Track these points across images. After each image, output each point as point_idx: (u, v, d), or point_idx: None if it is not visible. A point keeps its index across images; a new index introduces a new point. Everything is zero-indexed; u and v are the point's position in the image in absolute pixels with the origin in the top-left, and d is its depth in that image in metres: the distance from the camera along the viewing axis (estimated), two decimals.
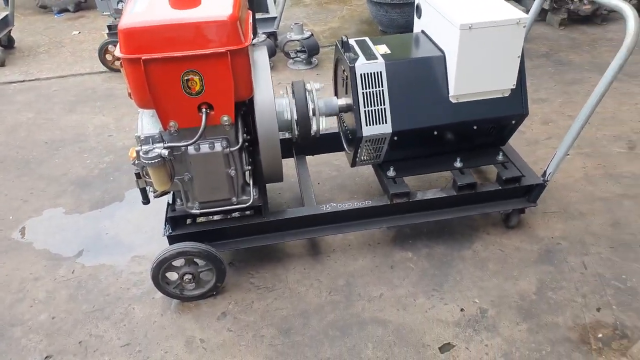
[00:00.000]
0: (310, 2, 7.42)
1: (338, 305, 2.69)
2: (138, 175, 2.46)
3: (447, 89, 2.55)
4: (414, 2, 2.90)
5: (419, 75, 2.54)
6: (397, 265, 2.90)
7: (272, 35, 5.31)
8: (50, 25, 6.96)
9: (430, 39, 2.70)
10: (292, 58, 5.35)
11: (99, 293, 2.86)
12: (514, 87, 2.56)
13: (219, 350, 2.50)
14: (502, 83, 2.54)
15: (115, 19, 5.23)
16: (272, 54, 5.15)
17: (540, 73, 4.89)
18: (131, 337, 2.58)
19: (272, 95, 2.44)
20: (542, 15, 5.98)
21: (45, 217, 3.48)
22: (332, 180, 3.62)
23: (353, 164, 2.82)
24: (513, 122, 2.68)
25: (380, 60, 2.52)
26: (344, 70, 2.66)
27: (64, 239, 3.27)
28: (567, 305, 2.61)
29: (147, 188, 2.54)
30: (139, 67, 2.08)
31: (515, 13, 2.38)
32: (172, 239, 2.63)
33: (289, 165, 3.62)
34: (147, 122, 2.35)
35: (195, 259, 2.65)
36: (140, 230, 3.27)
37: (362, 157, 2.76)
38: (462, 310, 2.62)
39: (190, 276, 2.65)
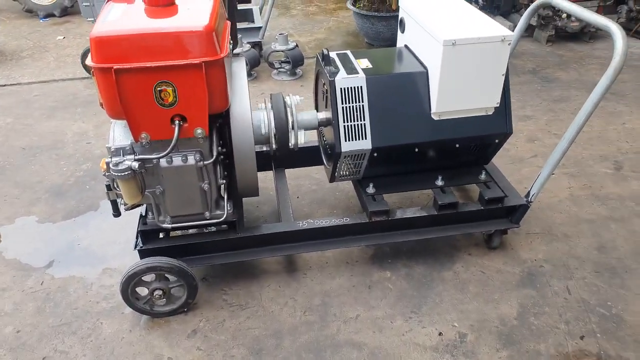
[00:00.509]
0: (297, 12, 7.40)
1: (312, 325, 2.60)
2: (109, 187, 2.38)
3: (429, 105, 2.50)
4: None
5: (400, 91, 2.49)
6: (375, 285, 2.83)
7: (256, 45, 5.27)
8: (35, 30, 6.86)
9: (414, 54, 2.65)
10: (277, 69, 5.29)
11: (67, 306, 2.75)
12: (498, 105, 2.51)
13: None
14: (485, 101, 2.49)
15: None
16: (255, 64, 5.10)
17: (526, 90, 4.87)
18: (97, 354, 2.48)
19: (249, 108, 2.38)
20: (529, 32, 5.99)
21: (17, 225, 3.38)
22: (312, 194, 3.55)
23: (332, 179, 2.75)
24: (496, 141, 2.63)
25: (361, 74, 2.47)
26: (324, 84, 2.60)
27: (35, 248, 3.16)
28: (550, 331, 2.54)
29: (118, 200, 2.46)
30: (110, 76, 2.01)
31: (500, 30, 2.34)
32: (143, 253, 2.54)
33: (267, 178, 3.57)
34: (119, 133, 2.27)
35: (166, 275, 2.56)
36: (114, 241, 3.17)
37: (341, 173, 2.70)
38: (440, 334, 2.55)
39: (160, 292, 2.55)
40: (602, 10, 5.72)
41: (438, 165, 2.77)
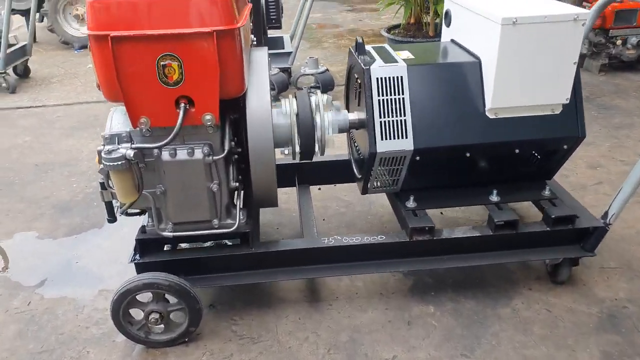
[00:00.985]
0: (329, 45, 7.21)
1: None
2: (103, 186, 2.04)
3: (483, 101, 2.09)
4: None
5: (448, 84, 2.11)
6: (416, 321, 2.34)
7: (285, 70, 5.03)
8: (68, 59, 6.88)
9: (462, 47, 2.27)
10: None
11: (52, 331, 2.36)
12: (567, 101, 2.08)
13: None
14: (552, 96, 2.07)
15: None
16: (284, 88, 4.85)
17: None
18: None
19: (269, 103, 2.02)
20: (579, 61, 5.55)
21: (15, 241, 3.06)
22: (340, 217, 3.12)
23: (364, 190, 2.33)
24: (565, 147, 2.18)
25: (402, 63, 2.10)
26: (357, 79, 2.24)
27: (29, 265, 2.82)
28: None
29: (115, 203, 2.11)
30: (107, 46, 1.70)
31: (571, 8, 1.95)
32: (139, 267, 2.15)
33: (290, 198, 3.19)
34: (118, 120, 1.95)
35: (165, 295, 2.15)
36: (114, 261, 2.80)
37: (375, 183, 2.28)
38: None
39: (157, 315, 2.14)
40: None
41: (492, 177, 2.33)
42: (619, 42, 5.17)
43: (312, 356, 2.18)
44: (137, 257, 2.16)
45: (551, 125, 2.12)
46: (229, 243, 2.31)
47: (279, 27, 5.34)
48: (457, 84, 2.10)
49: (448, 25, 2.43)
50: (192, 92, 1.79)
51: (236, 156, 2.12)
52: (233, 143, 2.03)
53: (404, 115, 2.07)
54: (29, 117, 4.96)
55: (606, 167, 3.61)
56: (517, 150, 2.17)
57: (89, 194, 3.51)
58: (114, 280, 2.64)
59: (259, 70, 2.09)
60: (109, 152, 1.80)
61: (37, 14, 7.63)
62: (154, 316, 2.14)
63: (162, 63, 1.72)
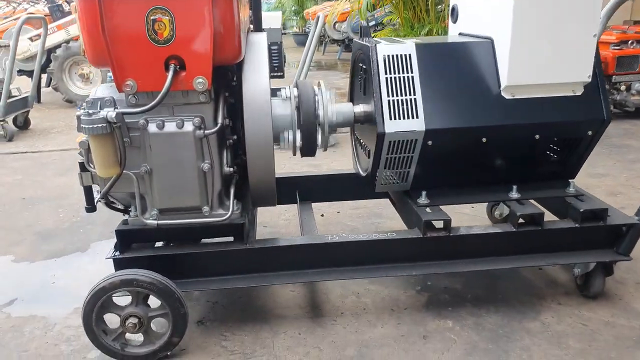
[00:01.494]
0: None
1: None
2: (82, 167, 1.84)
3: (498, 81, 1.95)
4: None
5: (460, 63, 1.98)
6: (432, 336, 2.04)
7: None
8: (70, 115, 6.86)
9: (471, 35, 2.17)
10: None
11: (14, 348, 2.06)
12: (589, 79, 1.94)
13: None
14: (572, 73, 1.93)
15: None
16: None
17: (592, 154, 4.18)
18: None
19: (268, 84, 1.88)
20: None
21: None
22: None
23: (372, 185, 2.13)
24: (589, 132, 2.01)
25: (410, 43, 1.98)
26: (361, 67, 2.12)
27: None
28: None
29: (94, 189, 1.91)
30: None
31: None
32: (118, 264, 1.90)
33: (291, 222, 2.97)
34: (102, 90, 1.80)
35: (145, 297, 1.88)
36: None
37: (383, 176, 2.08)
38: None
39: (136, 320, 1.85)
40: None
41: (511, 173, 2.13)
42: (622, 87, 5.15)
43: None
44: (116, 252, 1.91)
45: (573, 107, 1.96)
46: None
47: (282, 76, 5.36)
48: (469, 63, 1.97)
49: (455, 21, 2.35)
50: (184, 52, 1.65)
51: (231, 141, 1.94)
52: (227, 120, 1.86)
53: (414, 95, 1.91)
54: (23, 160, 4.84)
55: (626, 194, 3.40)
56: (537, 136, 1.99)
57: (76, 222, 3.29)
58: None
59: (258, 51, 1.96)
60: (89, 114, 1.62)
61: (44, 77, 7.83)
62: (131, 321, 1.85)
63: (152, 17, 1.60)
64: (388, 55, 1.93)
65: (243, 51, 1.80)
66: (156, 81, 1.66)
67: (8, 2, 10.40)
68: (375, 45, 1.94)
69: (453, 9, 2.35)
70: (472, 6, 2.19)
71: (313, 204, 2.65)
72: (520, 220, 2.01)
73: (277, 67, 5.21)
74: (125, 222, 1.93)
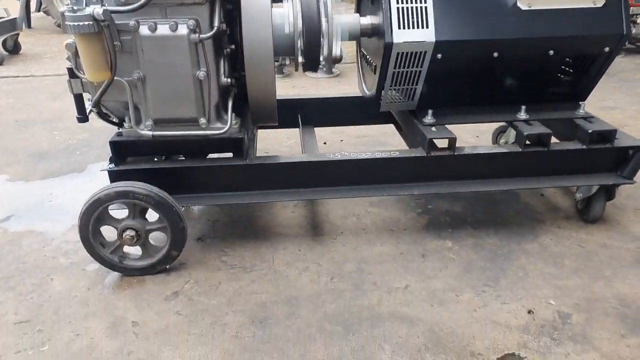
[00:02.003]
0: None
1: (342, 294, 1.82)
2: (71, 73, 1.76)
3: None
4: None
5: None
6: (431, 255, 2.04)
7: None
8: (63, 41, 6.66)
9: None
10: None
11: (12, 260, 2.06)
12: None
13: (156, 337, 1.63)
14: None
15: None
16: None
17: (602, 87, 4.10)
18: (34, 314, 1.75)
19: None
20: None
21: None
22: None
23: (377, 104, 2.05)
24: (606, 49, 1.92)
25: None
26: None
27: None
28: None
29: (86, 97, 1.83)
30: None
31: None
32: (113, 176, 1.85)
33: (293, 142, 2.91)
34: None
35: (142, 209, 1.85)
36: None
37: (390, 92, 2.00)
38: (530, 312, 1.72)
39: (133, 233, 1.83)
40: None
41: (521, 92, 2.05)
42: (639, 20, 4.95)
43: (313, 284, 1.87)
44: (112, 164, 1.86)
45: (592, 20, 1.86)
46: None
47: None
48: None
49: None
50: None
51: (229, 50, 1.84)
52: (224, 26, 1.75)
53: (425, 2, 1.80)
54: (14, 84, 4.71)
55: (634, 126, 3.34)
56: (551, 52, 1.90)
57: (72, 144, 3.23)
58: None
59: None
60: (74, 11, 1.51)
61: (34, 0, 7.51)
62: (129, 233, 1.83)
63: None
64: None
65: None
66: None
67: None
68: None
69: None
70: None
71: (317, 133, 2.58)
72: (527, 142, 1.95)
73: None
74: (119, 133, 1.87)
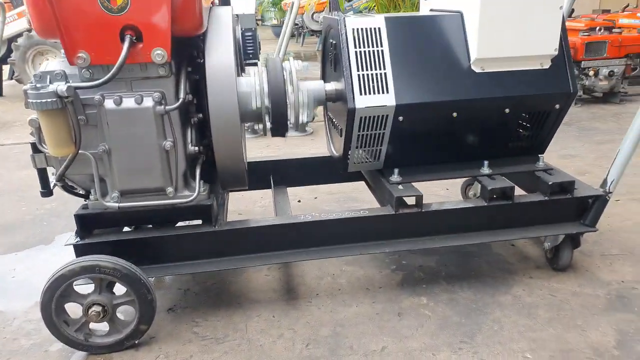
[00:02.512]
0: None
1: None
2: (35, 148, 1.75)
3: (468, 55, 1.93)
4: None
5: (430, 36, 1.94)
6: (407, 313, 2.02)
7: None
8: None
9: (442, 10, 2.14)
10: None
11: None
12: (556, 52, 1.93)
13: None
14: (539, 47, 1.93)
15: None
16: None
17: (563, 136, 4.31)
18: None
19: (232, 59, 1.80)
20: None
21: None
22: None
23: (344, 165, 2.09)
24: (557, 106, 2.01)
25: (380, 17, 1.94)
26: (332, 43, 2.07)
27: None
28: None
29: (50, 171, 1.82)
30: None
31: None
32: (78, 250, 1.81)
33: (267, 202, 2.91)
34: (53, 64, 1.71)
35: (109, 284, 1.80)
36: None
37: (356, 155, 2.04)
38: None
39: (99, 308, 1.77)
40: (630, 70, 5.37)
41: (483, 149, 2.12)
42: (591, 73, 5.22)
43: (288, 352, 1.82)
44: (77, 238, 1.82)
45: (541, 80, 1.96)
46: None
47: (256, 64, 5.26)
48: (439, 37, 1.94)
49: None
50: (140, 21, 1.57)
51: (196, 119, 1.86)
52: (190, 97, 1.78)
53: (384, 69, 1.88)
54: None
55: (594, 173, 3.45)
56: (507, 110, 1.98)
57: (40, 214, 3.16)
58: None
59: (222, 24, 1.88)
60: (37, 88, 1.52)
61: (6, 69, 7.53)
62: (95, 309, 1.77)
63: None
64: (357, 29, 1.89)
65: (205, 22, 1.72)
66: (111, 53, 1.58)
67: None
68: (344, 18, 1.89)
69: None
70: None
71: (291, 191, 2.60)
72: (492, 191, 1.99)
73: (252, 54, 5.10)
74: (85, 206, 1.85)
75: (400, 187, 2.01)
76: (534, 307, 2.02)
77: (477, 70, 1.93)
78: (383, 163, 2.10)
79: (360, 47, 1.88)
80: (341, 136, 2.05)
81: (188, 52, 1.83)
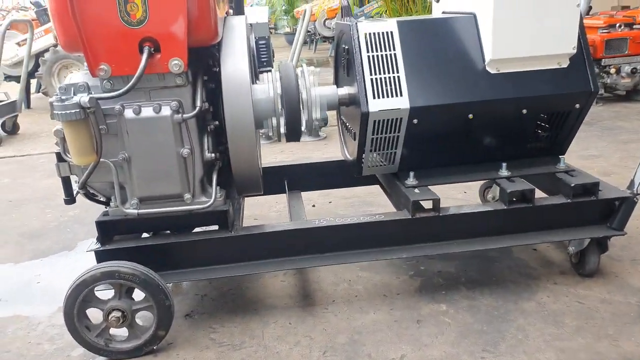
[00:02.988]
0: None
1: None
2: (59, 157, 1.79)
3: (482, 56, 1.91)
4: None
5: (443, 39, 1.93)
6: (426, 320, 1.99)
7: None
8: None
9: (455, 12, 2.12)
10: None
11: None
12: (574, 50, 1.89)
13: None
14: (557, 46, 1.89)
15: None
16: None
17: (585, 136, 4.22)
18: None
19: (247, 66, 1.82)
20: None
21: None
22: None
23: (358, 168, 2.08)
24: (577, 105, 1.97)
25: (392, 21, 1.94)
26: (344, 48, 2.07)
27: None
28: None
29: (73, 179, 1.86)
30: None
31: None
32: (99, 256, 1.84)
33: (282, 206, 2.92)
34: (76, 77, 1.75)
35: (129, 289, 1.83)
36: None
37: (370, 159, 2.04)
38: None
39: (119, 314, 1.80)
40: None
41: (500, 151, 2.09)
42: (612, 71, 5.12)
43: (304, 359, 1.81)
44: (98, 244, 1.86)
45: (559, 80, 1.92)
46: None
47: (270, 71, 5.30)
48: (452, 39, 1.92)
49: (438, 0, 2.30)
50: (158, 33, 1.60)
51: (212, 127, 1.89)
52: (207, 105, 1.81)
53: (397, 72, 1.87)
54: (10, 164, 4.78)
55: (620, 174, 3.36)
56: (524, 111, 1.95)
57: (64, 221, 3.23)
58: None
59: (236, 34, 1.90)
60: (62, 100, 1.57)
61: (34, 83, 7.75)
62: (115, 314, 1.80)
63: None
64: (369, 33, 1.89)
65: (220, 32, 1.75)
66: (131, 65, 1.61)
67: None
68: (357, 23, 1.89)
69: None
70: None
71: (305, 196, 2.61)
72: (511, 195, 1.96)
73: (265, 62, 5.15)
74: (105, 213, 1.88)
75: (416, 190, 1.99)
76: (560, 315, 1.96)
77: (493, 71, 1.90)
78: (398, 166, 2.08)
79: (372, 51, 1.88)
80: (355, 140, 2.05)
81: (204, 61, 1.86)
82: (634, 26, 5.16)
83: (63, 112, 1.56)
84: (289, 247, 1.94)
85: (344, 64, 2.10)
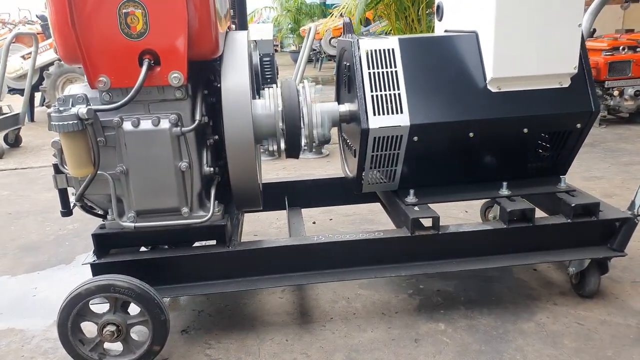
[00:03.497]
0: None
1: None
2: (56, 169, 1.79)
3: (484, 75, 1.91)
4: None
5: (444, 57, 1.94)
6: (424, 339, 1.96)
7: None
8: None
9: (456, 31, 2.13)
10: None
11: None
12: (575, 70, 1.90)
13: None
14: (558, 65, 1.90)
15: None
16: None
17: (588, 157, 4.21)
18: None
19: (247, 82, 1.83)
20: None
21: None
22: None
23: (358, 185, 2.07)
24: (578, 125, 1.97)
25: (393, 38, 1.95)
26: (346, 65, 2.08)
27: None
28: None
29: (70, 191, 1.85)
30: None
31: None
32: (95, 269, 1.83)
33: (282, 223, 2.90)
34: (75, 88, 1.76)
35: (124, 304, 1.81)
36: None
37: (370, 176, 2.03)
38: None
39: (114, 328, 1.78)
40: None
41: (501, 170, 2.08)
42: (615, 93, 5.13)
43: None
44: (94, 257, 1.84)
45: (560, 99, 1.92)
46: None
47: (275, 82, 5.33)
48: (454, 57, 1.93)
49: (440, 19, 2.32)
50: (158, 46, 1.61)
51: (212, 141, 1.89)
52: (206, 119, 1.81)
53: (398, 89, 1.87)
54: (11, 177, 4.78)
55: (622, 195, 3.34)
56: (525, 130, 1.94)
57: (62, 235, 3.22)
58: None
59: (238, 49, 1.91)
60: (60, 111, 1.57)
61: (38, 96, 7.81)
62: (109, 329, 1.77)
63: (124, 10, 1.56)
64: (371, 50, 1.89)
65: (221, 46, 1.76)
66: (130, 77, 1.62)
67: (3, 24, 10.47)
68: (358, 40, 1.90)
69: (438, 7, 2.32)
70: (456, 2, 2.17)
71: (306, 213, 2.60)
72: (511, 214, 1.95)
73: (269, 79, 5.19)
74: (102, 226, 1.87)
75: (416, 208, 1.98)
76: (559, 336, 1.94)
77: (494, 90, 1.91)
78: (398, 184, 2.07)
79: (373, 68, 1.88)
80: (355, 157, 2.04)
81: (204, 75, 1.86)
82: (638, 49, 5.19)
83: (60, 123, 1.56)
84: (286, 264, 1.93)
85: (345, 81, 2.11)
